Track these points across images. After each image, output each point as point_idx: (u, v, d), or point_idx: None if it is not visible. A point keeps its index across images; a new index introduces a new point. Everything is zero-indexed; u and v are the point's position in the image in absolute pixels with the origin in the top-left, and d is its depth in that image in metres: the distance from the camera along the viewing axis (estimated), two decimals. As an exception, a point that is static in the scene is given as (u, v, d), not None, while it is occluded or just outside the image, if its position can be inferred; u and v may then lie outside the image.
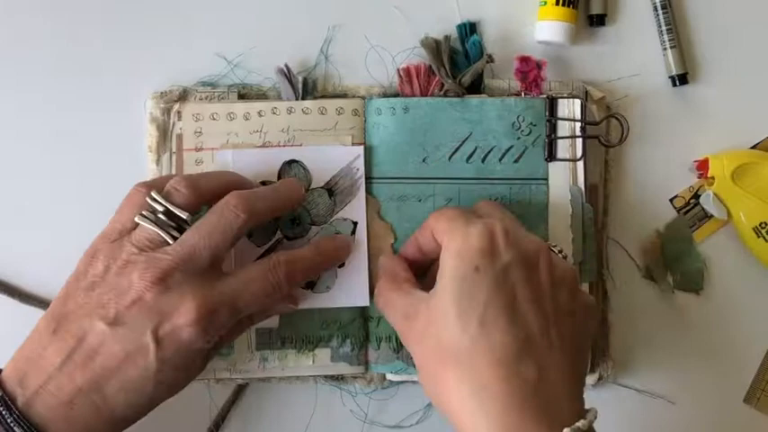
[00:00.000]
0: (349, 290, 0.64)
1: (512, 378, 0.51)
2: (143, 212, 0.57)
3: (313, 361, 0.65)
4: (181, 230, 0.57)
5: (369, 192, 0.65)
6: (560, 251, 0.58)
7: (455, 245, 0.55)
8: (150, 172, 0.65)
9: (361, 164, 0.65)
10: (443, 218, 0.58)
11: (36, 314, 0.65)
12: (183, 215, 0.57)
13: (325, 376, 0.66)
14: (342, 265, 0.64)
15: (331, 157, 0.65)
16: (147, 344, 0.54)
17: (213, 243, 0.56)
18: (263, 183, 0.64)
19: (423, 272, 0.61)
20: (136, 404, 0.55)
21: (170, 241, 0.56)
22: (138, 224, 0.57)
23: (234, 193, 0.58)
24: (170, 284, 0.54)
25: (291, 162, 0.65)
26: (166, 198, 0.57)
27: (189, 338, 0.54)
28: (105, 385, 0.54)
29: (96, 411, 0.54)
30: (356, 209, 0.65)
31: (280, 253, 0.60)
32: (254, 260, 0.62)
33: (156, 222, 0.56)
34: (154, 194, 0.57)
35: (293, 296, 0.63)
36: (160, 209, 0.57)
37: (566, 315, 0.54)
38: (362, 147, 0.65)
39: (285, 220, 0.65)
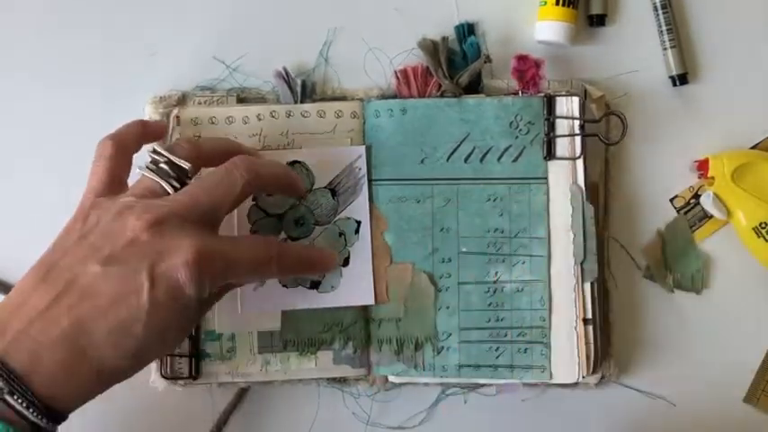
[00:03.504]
0: (354, 289, 0.65)
1: None
2: (146, 164, 0.56)
3: (315, 363, 0.65)
4: (182, 183, 0.56)
5: (373, 200, 0.65)
6: None
7: None
8: (150, 176, 0.65)
9: (363, 163, 0.65)
10: None
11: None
12: (186, 165, 0.56)
13: (328, 378, 0.66)
14: (346, 265, 0.65)
15: (333, 157, 0.65)
16: (142, 283, 0.51)
17: (214, 198, 0.55)
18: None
19: None
20: (125, 351, 0.51)
21: (170, 191, 0.55)
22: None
23: (243, 156, 0.57)
24: (167, 228, 0.52)
25: (294, 163, 0.65)
26: (169, 151, 0.56)
27: (183, 280, 0.51)
28: (94, 327, 0.50)
29: (83, 358, 0.50)
30: (360, 208, 0.65)
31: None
32: None
33: (158, 173, 0.56)
34: (157, 147, 0.57)
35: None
36: (162, 159, 0.56)
37: None
38: (364, 147, 0.65)
39: (289, 220, 0.65)
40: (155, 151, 0.57)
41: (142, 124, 0.61)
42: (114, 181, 0.57)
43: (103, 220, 0.53)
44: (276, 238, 0.59)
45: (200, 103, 0.66)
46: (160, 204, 0.53)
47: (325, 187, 0.65)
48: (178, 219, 0.53)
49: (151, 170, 0.56)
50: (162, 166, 0.56)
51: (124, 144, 0.59)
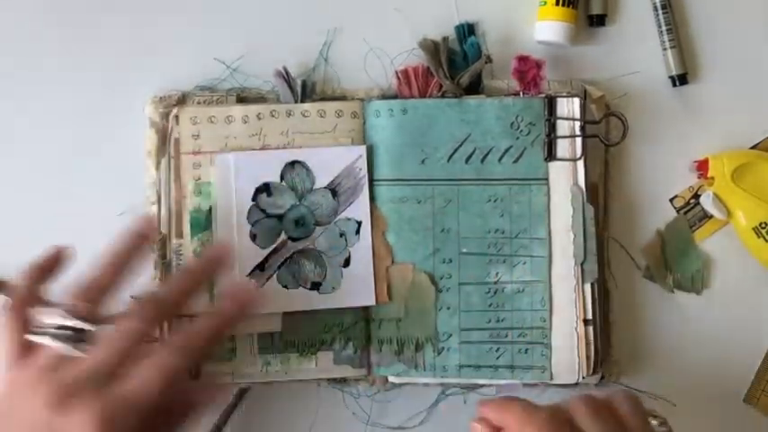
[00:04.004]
0: (355, 290, 0.65)
1: None
2: (44, 330, 0.55)
3: (315, 364, 0.65)
4: (82, 342, 0.55)
5: (372, 200, 0.65)
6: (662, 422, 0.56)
7: None
8: (150, 176, 0.65)
9: (363, 163, 0.65)
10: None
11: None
12: (87, 326, 0.55)
13: (328, 379, 0.66)
14: (347, 265, 0.65)
15: (333, 157, 0.65)
16: None
17: (114, 357, 0.54)
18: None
19: None
20: None
21: (77, 354, 0.54)
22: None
23: (136, 306, 0.57)
24: (70, 403, 0.52)
25: (294, 163, 0.65)
26: (69, 312, 0.55)
27: None
28: None
29: None
30: (360, 208, 0.65)
31: (171, 334, 0.58)
32: (257, 263, 0.63)
33: (59, 338, 0.55)
34: (53, 309, 0.56)
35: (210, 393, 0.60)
36: (65, 323, 0.55)
37: None
38: (365, 146, 0.65)
39: (289, 220, 0.65)
40: (52, 314, 0.55)
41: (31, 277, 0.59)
42: (20, 348, 0.56)
43: (6, 399, 0.54)
44: (177, 336, 0.57)
45: (199, 103, 0.66)
46: (62, 377, 0.53)
47: (325, 187, 0.65)
48: (80, 390, 0.52)
49: (50, 335, 0.55)
50: (60, 330, 0.55)
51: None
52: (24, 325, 0.57)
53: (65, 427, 0.52)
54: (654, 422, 0.55)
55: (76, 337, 0.55)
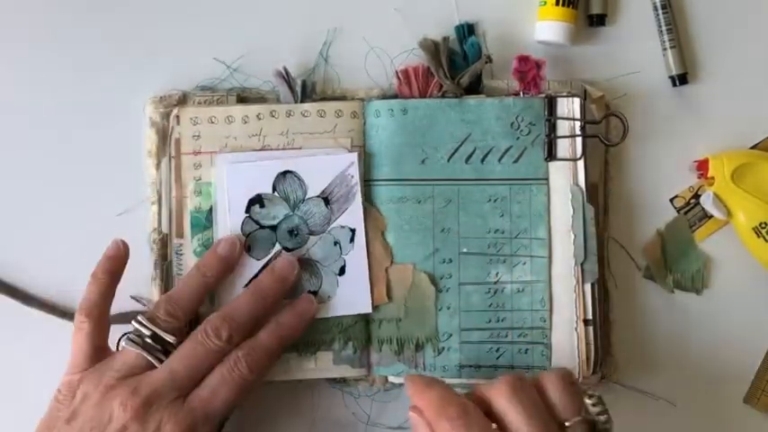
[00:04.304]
0: (351, 297, 0.65)
1: None
2: (129, 337, 0.58)
3: (315, 364, 0.65)
4: (166, 353, 0.58)
5: (371, 200, 0.65)
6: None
7: None
8: (150, 176, 0.65)
9: (355, 171, 0.65)
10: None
11: (37, 315, 0.65)
12: (170, 339, 0.58)
13: (328, 379, 0.66)
14: (342, 274, 0.64)
15: (325, 165, 0.65)
16: None
17: (190, 368, 0.57)
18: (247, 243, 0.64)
19: None
20: None
21: (156, 365, 0.57)
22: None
23: (214, 322, 0.59)
24: (151, 411, 0.55)
25: (286, 173, 0.65)
26: (152, 323, 0.58)
27: None
28: None
29: None
30: (353, 216, 0.65)
31: (238, 348, 0.59)
32: (253, 274, 0.63)
33: (144, 347, 0.58)
34: (141, 319, 0.58)
35: None
36: (147, 333, 0.58)
37: None
38: (356, 153, 0.65)
39: (283, 231, 0.65)
40: (140, 323, 0.58)
41: (108, 274, 0.61)
42: (97, 352, 0.59)
43: (88, 403, 0.56)
44: (242, 347, 0.59)
45: (200, 103, 0.66)
46: (141, 386, 0.56)
47: (317, 196, 0.65)
48: (159, 399, 0.55)
49: (137, 344, 0.58)
50: (147, 340, 0.58)
51: (100, 315, 0.60)
52: (101, 330, 0.59)
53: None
54: (589, 401, 0.54)
55: (155, 347, 0.58)
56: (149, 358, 0.57)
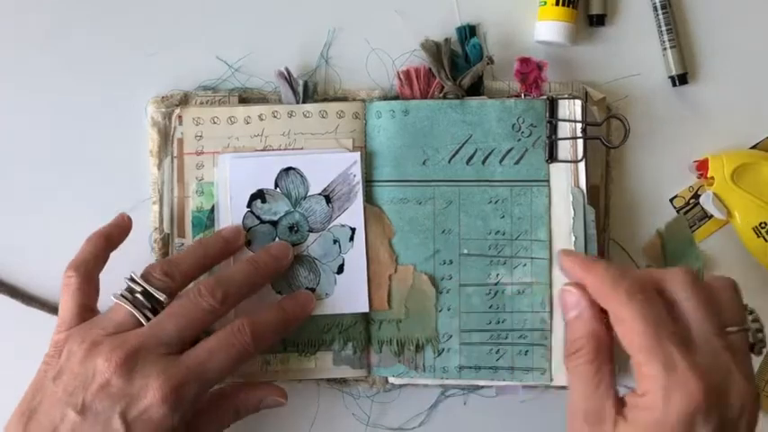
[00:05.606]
0: (348, 296, 0.65)
1: None
2: (121, 293, 0.58)
3: (315, 364, 0.65)
4: (155, 312, 0.57)
5: (372, 201, 0.65)
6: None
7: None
8: (152, 176, 0.65)
9: (358, 170, 0.65)
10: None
11: (37, 316, 0.66)
12: (161, 297, 0.57)
13: (328, 379, 0.66)
14: (341, 272, 0.65)
15: (328, 163, 0.65)
16: (117, 429, 0.53)
17: (179, 324, 0.56)
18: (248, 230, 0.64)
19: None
20: None
21: (144, 322, 0.57)
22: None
23: (209, 282, 0.58)
24: (136, 366, 0.54)
25: (288, 169, 0.65)
26: (145, 280, 0.58)
27: (159, 418, 0.54)
28: None
29: None
30: (354, 215, 0.65)
31: (243, 317, 0.59)
32: None
33: (133, 302, 0.57)
34: (134, 276, 0.58)
35: (280, 390, 0.62)
36: (138, 289, 0.57)
37: None
38: (359, 153, 0.65)
39: (283, 227, 0.65)
40: (132, 279, 0.58)
41: (104, 237, 0.61)
42: (83, 310, 0.58)
43: (73, 360, 0.55)
44: (246, 317, 0.59)
45: (202, 103, 0.66)
46: (127, 340, 0.55)
47: (319, 194, 0.65)
48: (145, 353, 0.55)
49: (126, 299, 0.57)
50: (137, 296, 0.57)
51: (88, 273, 0.59)
52: (88, 288, 0.59)
53: (128, 389, 0.54)
54: (750, 317, 0.53)
55: (145, 304, 0.57)
56: (136, 314, 0.56)
